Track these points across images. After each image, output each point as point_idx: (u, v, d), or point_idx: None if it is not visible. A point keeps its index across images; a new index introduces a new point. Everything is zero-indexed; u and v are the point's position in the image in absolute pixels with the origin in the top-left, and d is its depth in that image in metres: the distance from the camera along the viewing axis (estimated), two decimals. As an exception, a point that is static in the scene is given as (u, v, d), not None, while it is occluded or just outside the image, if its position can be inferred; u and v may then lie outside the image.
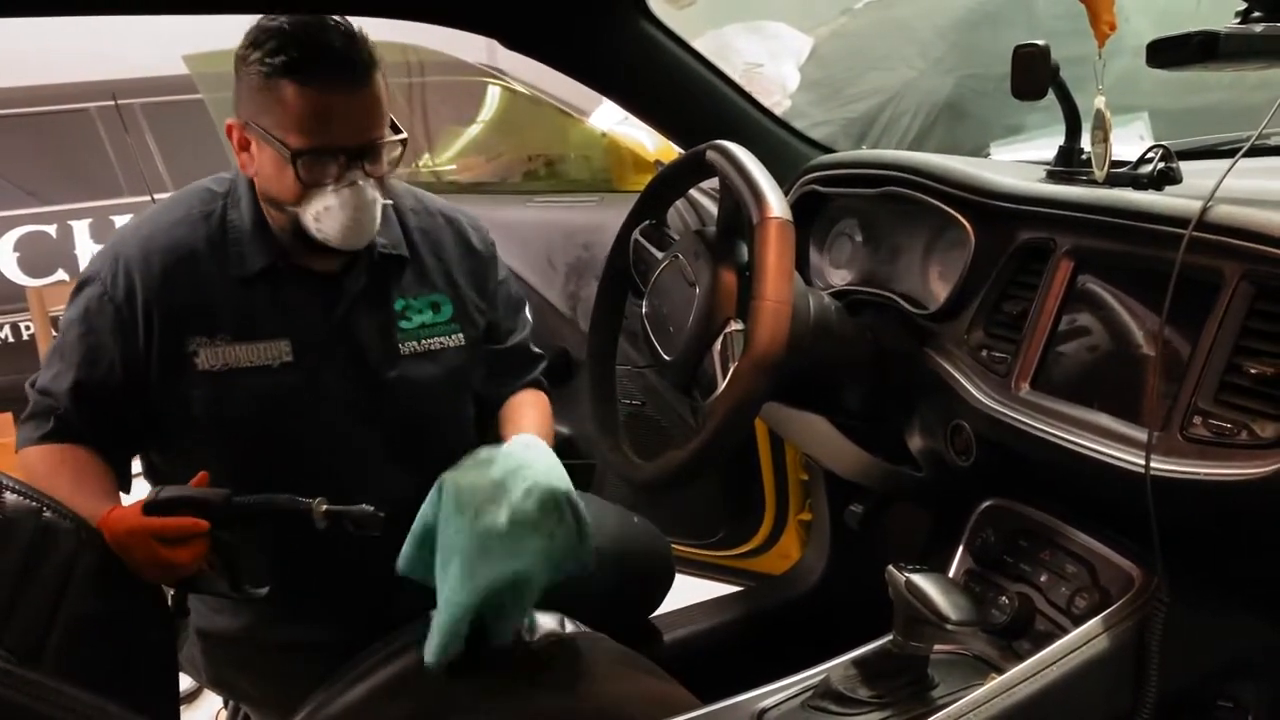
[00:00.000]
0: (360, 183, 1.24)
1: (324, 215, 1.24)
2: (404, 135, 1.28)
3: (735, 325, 1.13)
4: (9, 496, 1.13)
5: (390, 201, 1.33)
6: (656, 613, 1.74)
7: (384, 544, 1.37)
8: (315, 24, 1.22)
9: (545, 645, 1.32)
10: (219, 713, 1.79)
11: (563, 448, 2.20)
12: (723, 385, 1.11)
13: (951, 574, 1.14)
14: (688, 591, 1.99)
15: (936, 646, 1.03)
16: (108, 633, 1.17)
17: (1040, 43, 1.10)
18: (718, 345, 1.15)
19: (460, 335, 1.41)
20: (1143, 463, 0.88)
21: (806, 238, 1.48)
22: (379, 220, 1.29)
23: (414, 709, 1.24)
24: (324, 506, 1.19)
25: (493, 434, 1.47)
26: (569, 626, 1.38)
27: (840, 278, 1.45)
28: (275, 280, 1.30)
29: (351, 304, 1.33)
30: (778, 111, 1.71)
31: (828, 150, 1.64)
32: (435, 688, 1.21)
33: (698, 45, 1.54)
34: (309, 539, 1.35)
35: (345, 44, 1.21)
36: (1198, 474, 0.86)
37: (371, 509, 1.19)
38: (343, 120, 1.21)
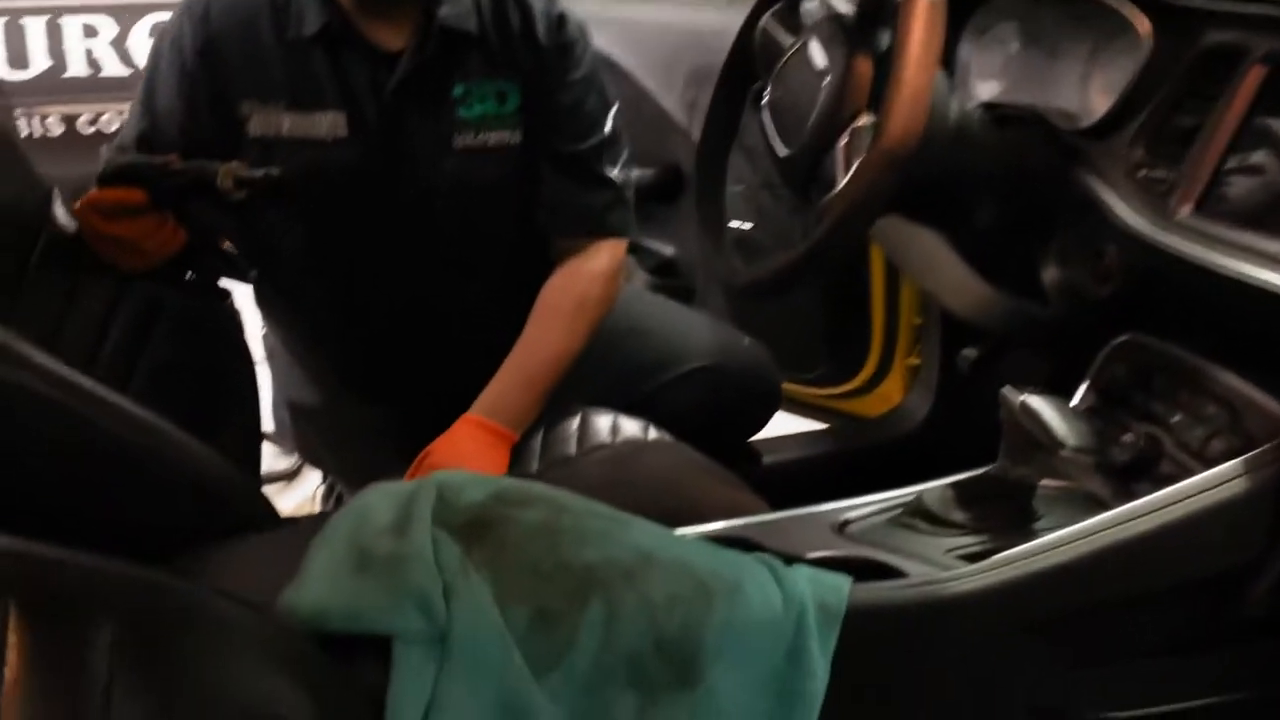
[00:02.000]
0: None
1: None
2: None
3: (866, 118, 1.02)
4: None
5: None
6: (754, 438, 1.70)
7: (452, 332, 1.34)
8: None
9: (624, 448, 1.28)
10: (317, 488, 1.83)
11: (663, 268, 2.15)
12: (844, 181, 1.01)
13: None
14: (776, 424, 1.94)
15: (1046, 481, 0.96)
16: (188, 380, 1.17)
17: None
18: (843, 140, 1.05)
19: (520, 134, 1.27)
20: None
21: (956, 40, 1.34)
22: None
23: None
24: (233, 175, 1.11)
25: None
26: (652, 434, 1.34)
27: (988, 90, 1.31)
28: (333, 49, 1.20)
29: (407, 82, 1.21)
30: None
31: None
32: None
33: None
34: (384, 316, 1.33)
35: None
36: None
37: (277, 173, 1.12)
38: None
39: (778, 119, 1.15)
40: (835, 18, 1.08)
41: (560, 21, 1.29)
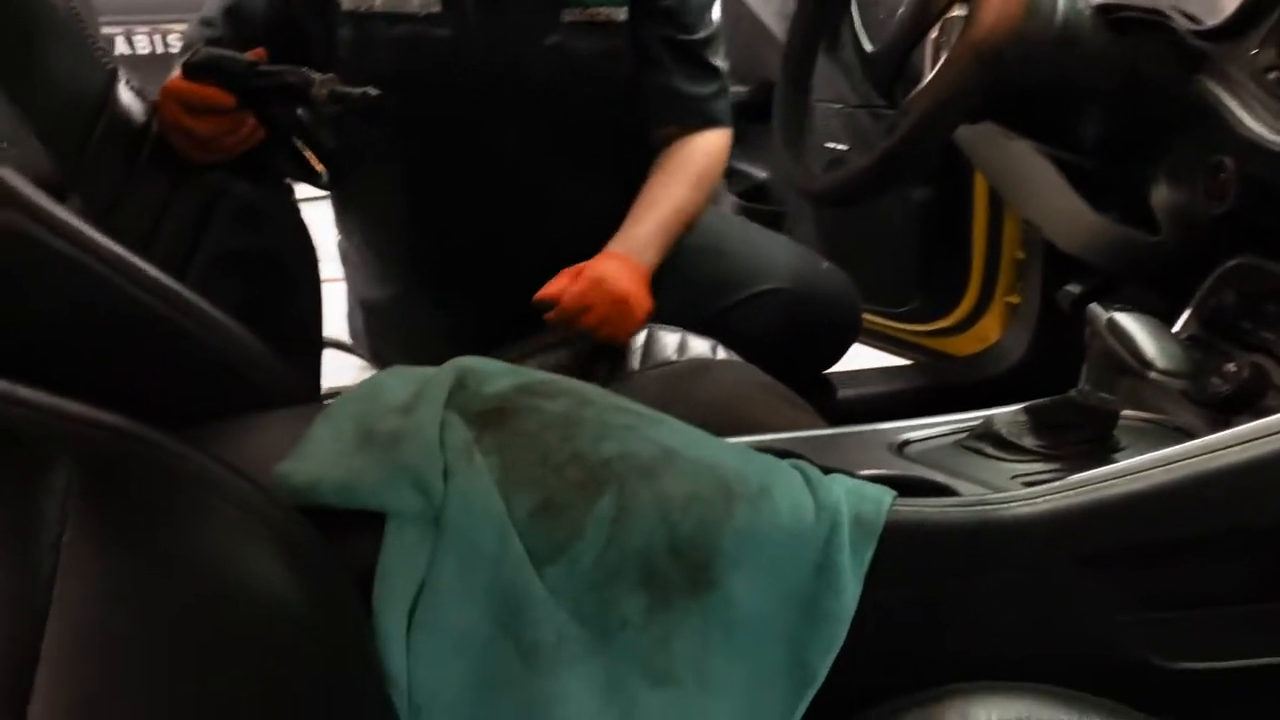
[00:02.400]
0: None
1: None
2: None
3: (958, 9, 0.94)
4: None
5: None
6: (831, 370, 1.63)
7: (540, 231, 1.31)
8: None
9: (688, 366, 1.23)
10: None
11: (753, 193, 2.07)
12: (929, 76, 0.93)
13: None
14: (857, 361, 1.85)
15: (1132, 412, 0.87)
16: (246, 270, 1.16)
17: None
18: (933, 33, 0.97)
19: (625, 10, 1.22)
20: None
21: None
22: None
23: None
24: (329, 88, 1.05)
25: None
26: (720, 353, 1.29)
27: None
28: None
29: None
30: None
31: None
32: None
33: None
34: (457, 216, 1.29)
35: None
36: None
37: (376, 92, 1.06)
38: None
39: (865, 13, 1.06)
40: (933, -99, 0.99)
41: None
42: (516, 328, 1.27)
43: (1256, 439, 0.70)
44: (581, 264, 1.18)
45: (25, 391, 0.47)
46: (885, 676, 0.66)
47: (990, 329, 1.80)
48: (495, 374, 0.73)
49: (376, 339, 1.47)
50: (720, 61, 1.33)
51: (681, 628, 0.62)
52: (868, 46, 1.04)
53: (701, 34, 1.30)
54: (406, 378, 0.70)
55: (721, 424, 0.93)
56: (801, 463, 0.68)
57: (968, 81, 0.88)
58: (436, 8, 1.17)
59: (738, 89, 1.78)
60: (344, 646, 0.54)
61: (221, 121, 1.07)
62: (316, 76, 1.06)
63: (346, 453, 0.62)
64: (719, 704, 0.62)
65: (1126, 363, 0.77)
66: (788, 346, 1.40)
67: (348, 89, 1.05)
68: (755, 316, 1.39)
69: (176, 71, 1.09)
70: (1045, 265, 1.61)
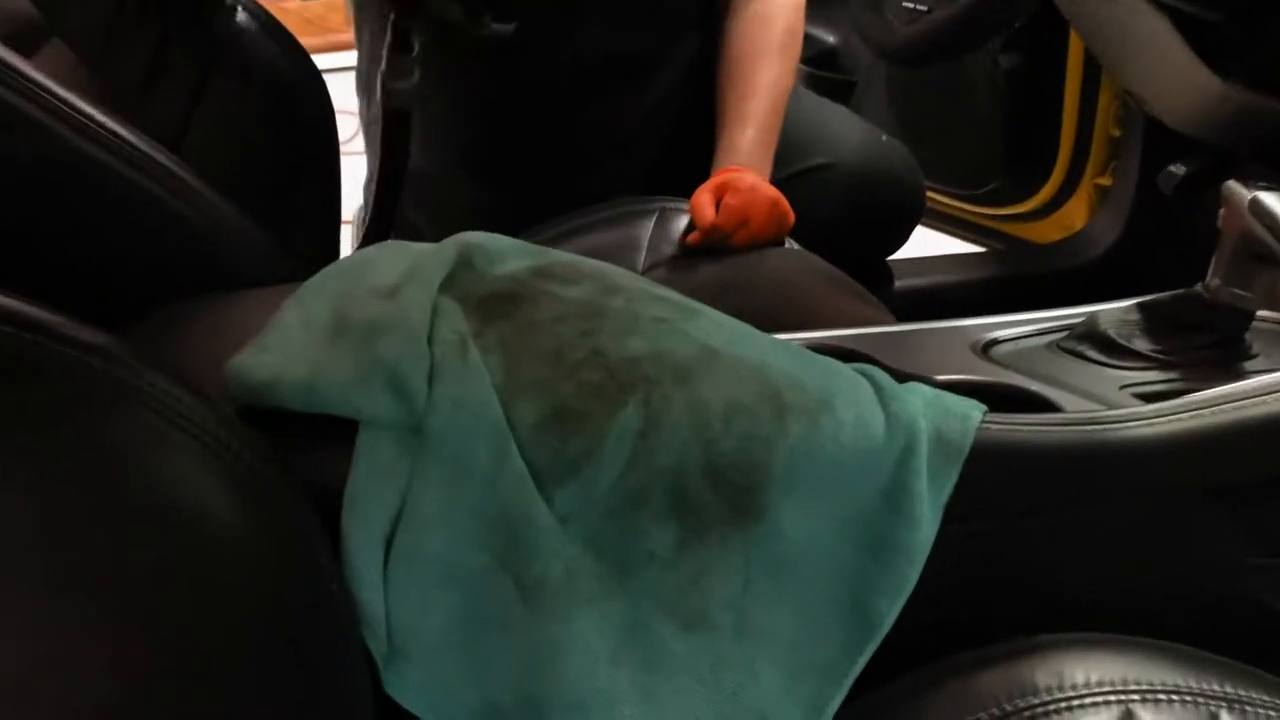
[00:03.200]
0: None
1: None
2: None
3: None
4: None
5: None
6: (893, 257, 1.49)
7: (600, 122, 1.19)
8: None
9: (746, 256, 1.10)
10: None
11: (822, 59, 1.90)
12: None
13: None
14: (921, 247, 1.70)
15: (1268, 314, 0.73)
16: (258, 131, 1.05)
17: None
18: None
19: None
20: None
21: None
22: None
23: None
24: None
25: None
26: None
27: None
28: None
29: None
30: None
31: None
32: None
33: None
34: (533, 93, 1.18)
35: None
36: None
37: None
38: None
39: None
40: None
41: None
42: (559, 211, 1.16)
43: None
44: (713, 181, 1.09)
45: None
46: (965, 626, 0.55)
47: (1075, 214, 1.64)
48: (508, 252, 0.61)
49: (407, 212, 1.36)
50: None
51: (719, 563, 0.51)
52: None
53: None
54: (400, 253, 0.59)
55: (782, 321, 0.82)
56: (871, 368, 0.56)
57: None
58: None
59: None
60: (301, 582, 0.44)
61: None
62: None
63: (315, 344, 0.51)
64: (761, 652, 0.52)
65: (1270, 251, 0.63)
66: (843, 229, 1.28)
67: None
68: (809, 194, 1.26)
69: None
70: (1145, 143, 1.44)
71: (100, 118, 0.63)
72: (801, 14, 1.22)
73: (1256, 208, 0.64)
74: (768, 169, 1.15)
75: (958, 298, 1.59)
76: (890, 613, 0.52)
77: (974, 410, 0.54)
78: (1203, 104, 1.09)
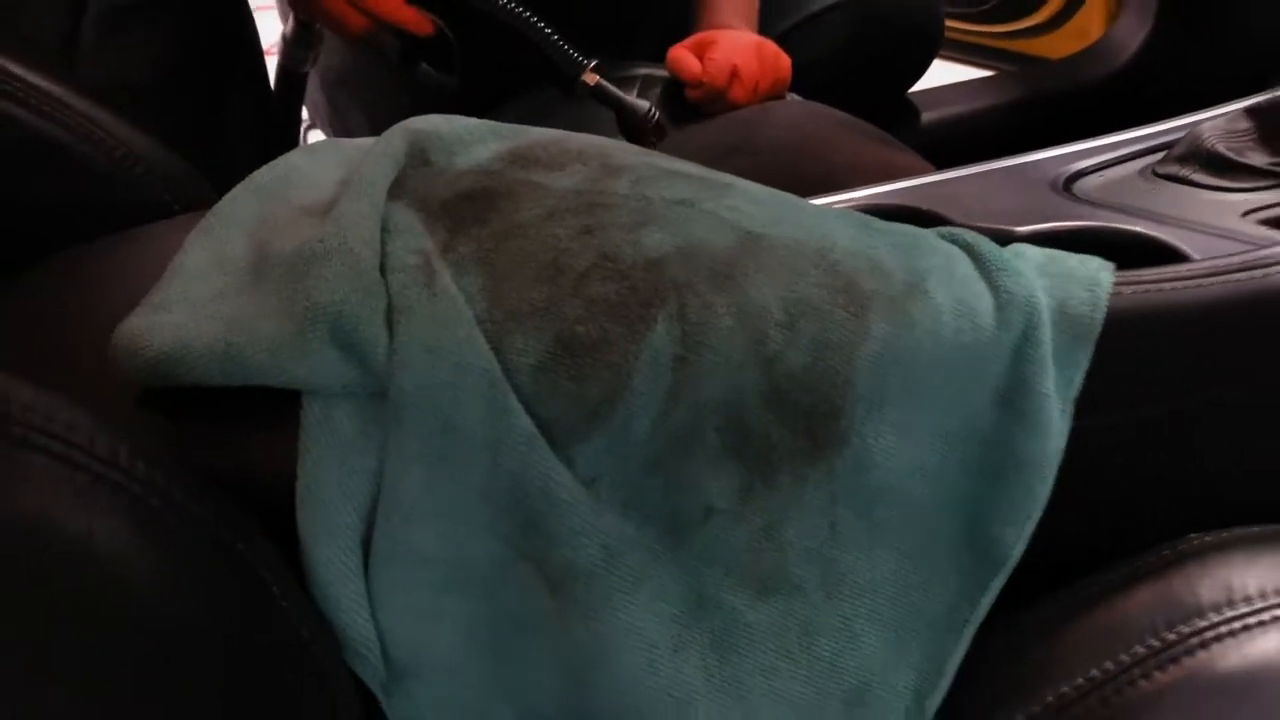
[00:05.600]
0: None
1: None
2: None
3: None
4: None
5: None
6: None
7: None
8: None
9: (746, 112, 0.97)
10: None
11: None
12: None
13: None
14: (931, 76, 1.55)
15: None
16: (164, 30, 0.89)
17: None
18: None
19: None
20: None
21: None
22: None
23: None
24: (596, 77, 0.92)
25: None
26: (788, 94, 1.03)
27: None
28: None
29: None
30: None
31: None
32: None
33: None
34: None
35: None
36: None
37: (650, 108, 0.93)
38: None
39: None
40: None
41: None
42: (503, 97, 1.03)
43: None
44: (690, 39, 0.99)
45: None
46: (1106, 539, 0.44)
47: (1091, 22, 1.49)
48: (472, 136, 0.48)
49: (343, 114, 1.21)
50: None
51: (795, 509, 0.39)
52: None
53: None
54: (332, 154, 0.45)
55: (802, 177, 0.69)
56: (965, 232, 0.43)
57: None
58: None
59: None
60: (237, 624, 0.32)
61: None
62: (582, 61, 0.93)
63: (231, 292, 0.38)
64: (860, 610, 0.41)
65: None
66: (857, 70, 1.18)
67: (617, 92, 0.93)
68: (814, 42, 1.16)
69: None
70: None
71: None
72: None
73: None
74: (753, 22, 1.06)
75: (983, 128, 1.44)
76: (1018, 543, 0.41)
77: (1102, 273, 0.41)
78: None
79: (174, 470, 0.30)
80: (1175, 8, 1.31)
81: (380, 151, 0.44)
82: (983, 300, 0.40)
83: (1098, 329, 0.40)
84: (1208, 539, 0.44)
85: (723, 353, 0.38)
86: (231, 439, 0.36)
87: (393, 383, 0.35)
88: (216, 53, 0.93)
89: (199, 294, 0.38)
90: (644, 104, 0.94)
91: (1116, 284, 0.42)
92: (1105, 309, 0.40)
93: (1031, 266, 0.41)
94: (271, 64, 1.06)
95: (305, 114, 1.26)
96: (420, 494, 0.36)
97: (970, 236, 0.42)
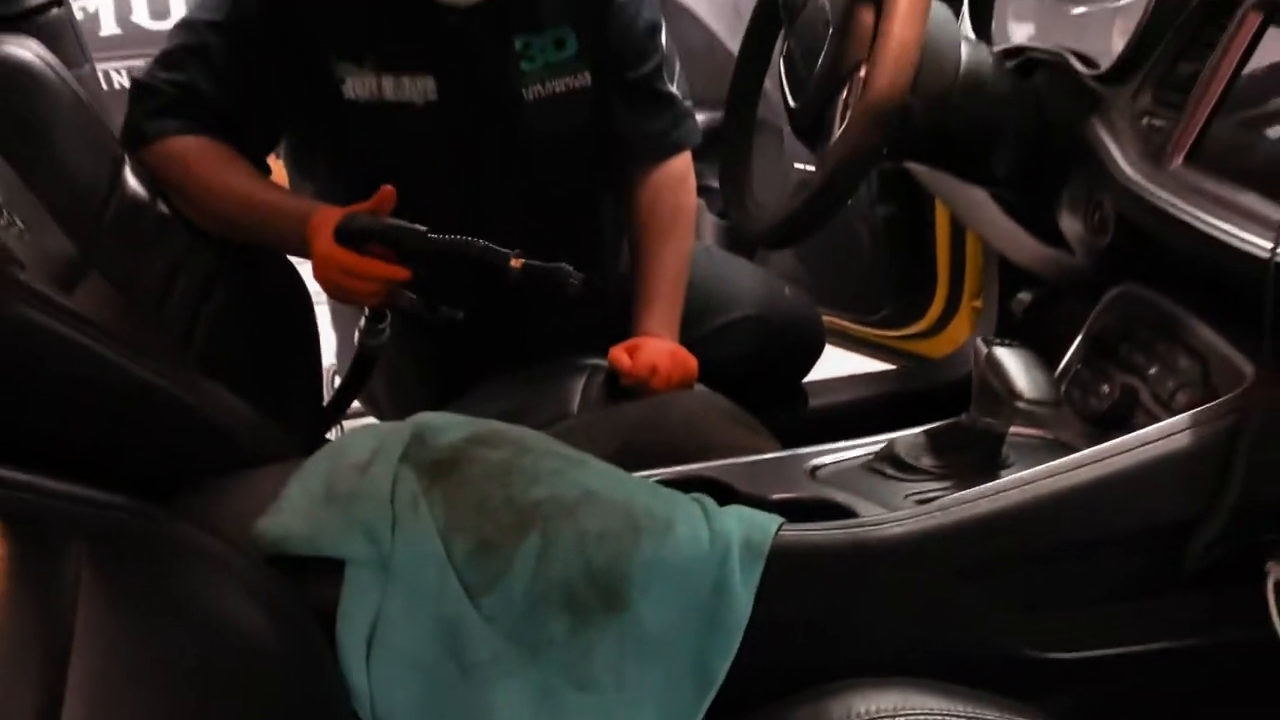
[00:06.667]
0: None
1: None
2: None
3: (862, 71, 1.04)
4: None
5: None
6: (807, 379, 1.74)
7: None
8: None
9: (661, 398, 1.33)
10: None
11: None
12: (837, 132, 1.04)
13: (1067, 358, 1.05)
14: (840, 364, 1.97)
15: (1023, 430, 0.98)
16: (253, 326, 1.29)
17: None
18: (845, 92, 1.07)
19: (588, 74, 1.30)
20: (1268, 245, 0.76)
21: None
22: None
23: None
24: (521, 260, 1.11)
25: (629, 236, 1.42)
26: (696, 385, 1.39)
27: (1022, 32, 1.30)
28: (414, 13, 1.22)
29: (475, 44, 1.25)
30: None
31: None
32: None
33: None
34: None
35: None
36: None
37: (570, 268, 1.13)
38: None
39: (791, 70, 1.17)
40: (843, -32, 1.09)
41: None
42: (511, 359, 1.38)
43: (1102, 460, 0.81)
44: (627, 343, 1.31)
45: (38, 481, 0.60)
46: (780, 678, 0.77)
47: (961, 331, 1.89)
48: (450, 427, 0.85)
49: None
50: (672, 86, 1.39)
51: (601, 642, 0.74)
52: (792, 102, 1.14)
53: (649, 66, 1.36)
54: (369, 436, 0.83)
55: (687, 450, 1.05)
56: (703, 496, 0.80)
57: (867, 138, 0.98)
58: (434, 97, 1.25)
59: (715, 115, 1.88)
60: (313, 674, 0.67)
61: (380, 286, 1.14)
62: (505, 252, 1.10)
63: (313, 509, 0.74)
64: (636, 703, 0.74)
65: (1000, 393, 0.87)
66: (756, 367, 1.53)
67: (539, 264, 1.11)
68: (726, 344, 1.51)
69: (325, 233, 1.12)
70: (1001, 273, 1.70)
71: (146, 339, 0.88)
72: (688, 185, 1.42)
73: (990, 361, 0.89)
74: (674, 329, 1.37)
75: (865, 412, 1.83)
76: (722, 671, 0.75)
77: (772, 523, 0.78)
78: (1023, 251, 1.36)
79: (289, 588, 0.66)
80: (1009, 330, 1.72)
81: (398, 434, 0.82)
82: (703, 533, 0.76)
83: (765, 553, 0.76)
84: (845, 682, 0.78)
85: (563, 553, 0.74)
86: (311, 579, 0.71)
87: (391, 560, 0.71)
88: (286, 351, 1.32)
89: (296, 508, 0.75)
90: (564, 267, 1.13)
91: (782, 530, 0.78)
92: (770, 543, 0.76)
93: (734, 517, 0.78)
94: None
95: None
96: (399, 618, 0.71)
97: (704, 499, 0.79)
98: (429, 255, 1.12)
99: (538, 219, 1.35)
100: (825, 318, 1.84)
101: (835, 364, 1.94)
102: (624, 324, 1.40)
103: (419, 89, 1.25)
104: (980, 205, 1.39)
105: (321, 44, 1.23)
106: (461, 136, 1.28)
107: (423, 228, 1.12)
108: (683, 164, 1.43)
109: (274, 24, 1.21)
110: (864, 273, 1.89)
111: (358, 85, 1.24)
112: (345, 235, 1.12)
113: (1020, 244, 1.35)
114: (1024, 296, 1.45)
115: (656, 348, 1.33)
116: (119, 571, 0.61)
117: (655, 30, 1.37)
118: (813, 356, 1.65)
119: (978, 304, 1.85)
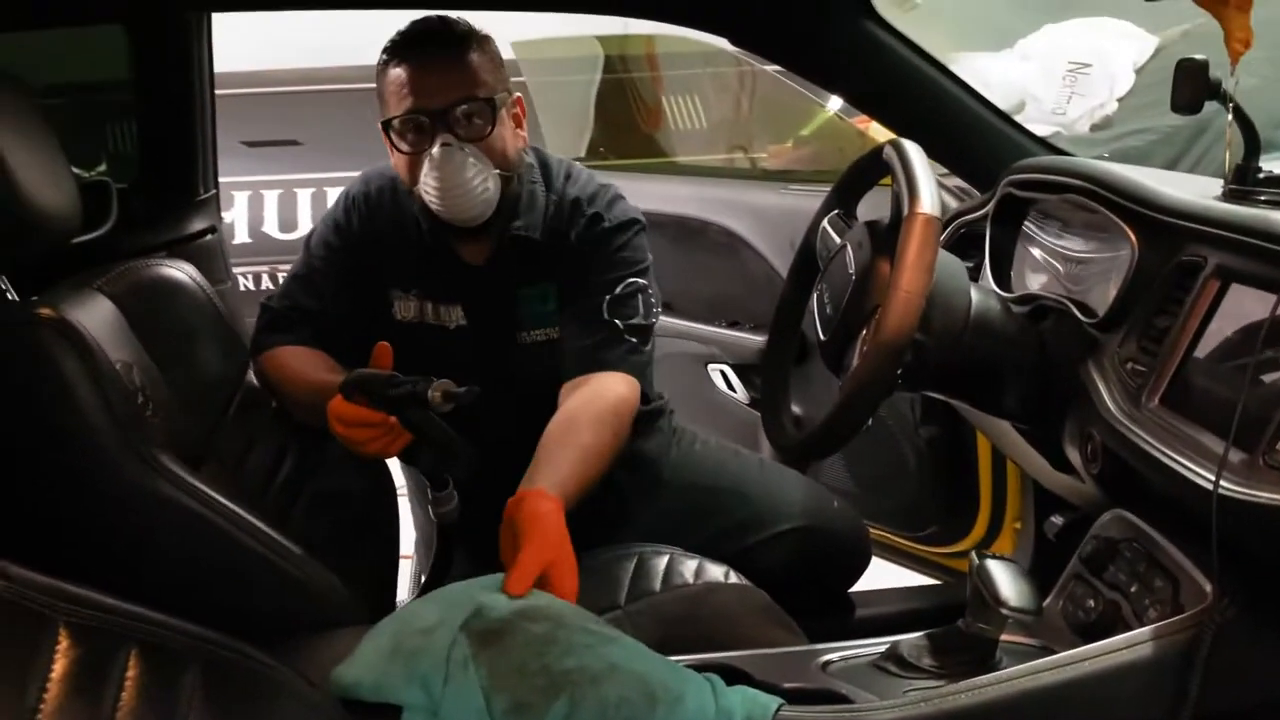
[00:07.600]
0: (450, 144, 1.31)
1: (427, 183, 1.35)
2: (488, 97, 1.34)
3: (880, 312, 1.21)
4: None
5: (502, 171, 1.37)
6: (856, 588, 1.83)
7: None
8: (426, 17, 1.39)
9: (701, 588, 1.45)
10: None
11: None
12: (854, 366, 1.20)
13: (1064, 575, 1.16)
14: (891, 577, 2.06)
15: (1017, 637, 1.07)
16: (343, 508, 1.46)
17: (1200, 57, 1.09)
18: (865, 330, 1.24)
19: (558, 330, 1.48)
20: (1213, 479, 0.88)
21: (1012, 239, 1.50)
22: (486, 190, 1.35)
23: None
24: (441, 390, 1.17)
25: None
26: (731, 577, 1.50)
27: (1036, 282, 1.46)
28: (448, 260, 1.47)
29: (488, 289, 1.47)
30: (1099, 115, 1.66)
31: (1058, 151, 1.63)
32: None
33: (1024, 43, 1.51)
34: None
35: (438, 23, 1.37)
36: (1261, 499, 0.85)
37: (477, 389, 1.18)
38: (420, 86, 1.32)
39: (821, 309, 1.34)
40: (869, 225, 1.28)
41: (603, 210, 1.47)
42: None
43: (1070, 665, 0.91)
44: (515, 500, 1.18)
45: (172, 621, 0.75)
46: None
47: (1005, 550, 1.97)
48: (504, 605, 0.99)
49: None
50: (620, 319, 1.44)
51: None
52: (821, 337, 1.31)
53: (600, 296, 1.44)
54: (437, 604, 0.97)
55: (722, 641, 1.15)
56: (713, 675, 0.92)
57: (878, 372, 1.13)
58: (464, 322, 1.50)
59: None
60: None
61: (374, 430, 1.22)
62: (434, 381, 1.17)
63: (380, 662, 0.88)
64: None
65: (988, 602, 0.98)
66: (804, 575, 1.63)
67: (457, 389, 1.18)
68: (775, 554, 1.62)
69: (335, 392, 1.23)
70: (1036, 496, 1.80)
71: (252, 519, 1.05)
72: (606, 397, 1.38)
73: (980, 571, 1.00)
74: (554, 482, 1.22)
75: (908, 622, 1.90)
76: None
77: (773, 703, 0.89)
78: (1044, 475, 1.47)
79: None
80: (1042, 554, 1.80)
81: (460, 606, 0.96)
82: (710, 707, 0.87)
83: (766, 730, 0.87)
84: None
85: (586, 717, 0.86)
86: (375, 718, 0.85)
87: (440, 709, 0.84)
88: (368, 530, 1.49)
89: (367, 660, 0.89)
90: (475, 389, 1.18)
91: (782, 711, 0.89)
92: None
93: (739, 696, 0.89)
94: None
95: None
96: (444, 760, 0.83)
97: (713, 678, 0.91)
98: (390, 401, 1.19)
99: (526, 423, 1.41)
100: (873, 531, 1.95)
101: (882, 575, 2.02)
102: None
103: (451, 315, 1.51)
104: (1006, 433, 1.51)
105: (382, 276, 1.51)
106: (479, 353, 1.50)
107: (389, 374, 1.21)
108: (611, 381, 1.42)
109: (350, 259, 1.52)
110: (911, 491, 2.00)
111: (404, 308, 1.52)
112: (345, 389, 1.21)
113: (1041, 470, 1.47)
114: (1055, 520, 1.55)
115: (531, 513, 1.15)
116: (227, 700, 0.75)
117: (622, 276, 1.46)
118: (859, 567, 1.75)
119: (1019, 525, 1.93)
